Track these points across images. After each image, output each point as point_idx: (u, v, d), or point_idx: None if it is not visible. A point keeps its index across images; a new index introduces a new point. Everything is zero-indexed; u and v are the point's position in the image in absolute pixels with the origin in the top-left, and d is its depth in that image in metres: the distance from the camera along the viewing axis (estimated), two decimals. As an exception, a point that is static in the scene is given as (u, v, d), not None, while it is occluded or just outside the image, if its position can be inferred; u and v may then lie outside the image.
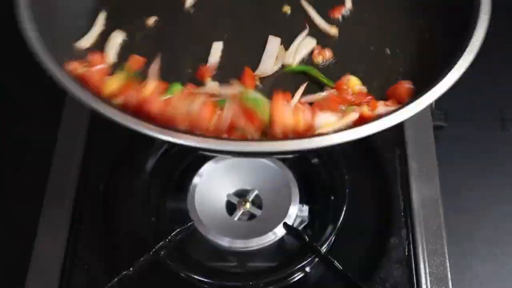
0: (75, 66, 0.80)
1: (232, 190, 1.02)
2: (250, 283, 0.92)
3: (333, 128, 0.73)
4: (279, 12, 0.91)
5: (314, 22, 0.90)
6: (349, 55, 0.85)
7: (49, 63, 0.72)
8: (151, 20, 0.90)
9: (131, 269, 0.90)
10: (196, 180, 0.99)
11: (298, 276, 0.96)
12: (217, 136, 0.72)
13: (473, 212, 1.15)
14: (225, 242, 0.94)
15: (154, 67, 0.84)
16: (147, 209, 1.00)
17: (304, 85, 0.82)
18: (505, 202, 1.17)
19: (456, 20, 0.81)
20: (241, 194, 1.02)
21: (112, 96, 0.77)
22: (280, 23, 0.90)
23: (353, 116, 0.75)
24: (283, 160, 1.01)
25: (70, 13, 0.86)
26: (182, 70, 0.84)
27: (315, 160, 1.05)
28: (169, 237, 0.93)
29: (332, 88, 0.80)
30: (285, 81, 0.84)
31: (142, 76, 0.82)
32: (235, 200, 1.01)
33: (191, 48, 0.87)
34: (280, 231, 0.95)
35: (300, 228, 0.99)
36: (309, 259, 0.93)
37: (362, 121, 0.74)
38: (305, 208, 0.99)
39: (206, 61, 0.85)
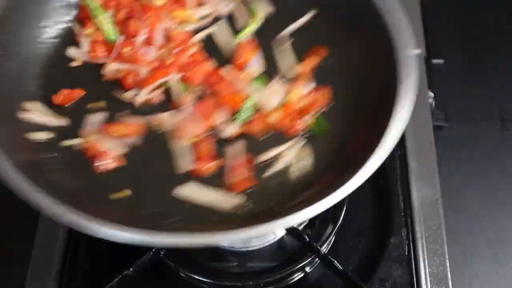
0: None
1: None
2: (250, 283, 0.92)
3: None
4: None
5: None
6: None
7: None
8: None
9: (131, 269, 0.90)
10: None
11: (298, 276, 0.96)
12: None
13: (473, 212, 1.15)
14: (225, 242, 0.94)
15: None
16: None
17: None
18: (505, 202, 1.17)
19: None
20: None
21: None
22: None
23: None
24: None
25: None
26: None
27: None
28: (169, 237, 0.93)
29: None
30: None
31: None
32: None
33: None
34: (280, 231, 0.95)
35: (300, 228, 0.99)
36: (309, 259, 0.93)
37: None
38: (305, 208, 0.99)
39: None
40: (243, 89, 0.90)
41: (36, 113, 0.90)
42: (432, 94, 1.12)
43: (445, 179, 1.05)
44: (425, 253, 0.95)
